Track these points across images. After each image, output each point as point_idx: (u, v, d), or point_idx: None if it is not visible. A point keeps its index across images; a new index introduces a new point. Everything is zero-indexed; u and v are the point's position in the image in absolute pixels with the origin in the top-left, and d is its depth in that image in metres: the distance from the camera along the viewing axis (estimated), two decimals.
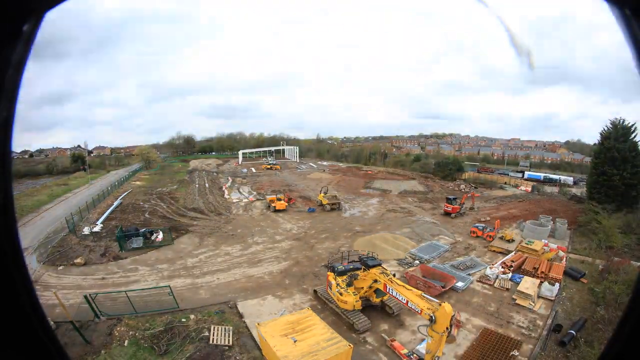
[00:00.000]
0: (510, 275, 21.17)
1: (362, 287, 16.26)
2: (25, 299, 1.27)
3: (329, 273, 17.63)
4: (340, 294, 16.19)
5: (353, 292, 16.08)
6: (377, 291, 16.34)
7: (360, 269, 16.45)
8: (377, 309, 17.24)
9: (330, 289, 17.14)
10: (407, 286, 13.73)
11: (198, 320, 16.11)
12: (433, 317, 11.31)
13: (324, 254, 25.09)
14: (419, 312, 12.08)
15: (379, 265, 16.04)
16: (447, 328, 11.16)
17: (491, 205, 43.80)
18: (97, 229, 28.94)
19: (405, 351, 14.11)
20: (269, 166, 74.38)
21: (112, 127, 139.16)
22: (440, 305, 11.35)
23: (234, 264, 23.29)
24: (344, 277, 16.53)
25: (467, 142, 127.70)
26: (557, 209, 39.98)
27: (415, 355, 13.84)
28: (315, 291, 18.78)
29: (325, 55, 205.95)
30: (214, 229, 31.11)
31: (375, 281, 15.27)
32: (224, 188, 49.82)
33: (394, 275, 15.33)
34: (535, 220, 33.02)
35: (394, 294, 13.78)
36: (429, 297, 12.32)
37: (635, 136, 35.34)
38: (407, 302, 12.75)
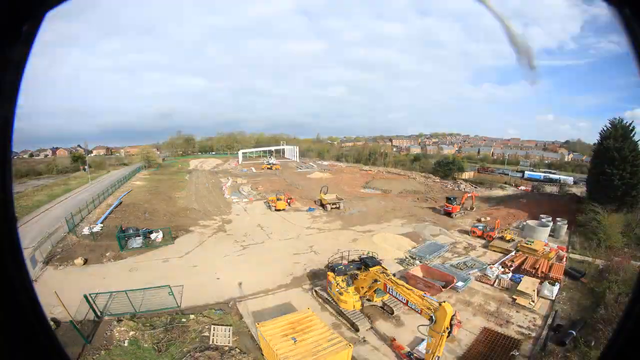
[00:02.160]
0: (510, 275, 21.17)
1: (362, 287, 16.27)
2: (25, 299, 1.27)
3: (329, 273, 17.65)
4: (341, 293, 16.21)
5: (353, 292, 16.08)
6: (377, 291, 16.36)
7: (360, 268, 16.46)
8: (377, 309, 17.26)
9: (330, 288, 17.15)
10: (407, 286, 13.72)
11: (198, 320, 16.11)
12: (433, 317, 11.32)
13: (324, 253, 25.08)
14: (419, 312, 12.08)
15: (379, 265, 16.05)
16: (447, 328, 11.15)
17: (491, 205, 43.80)
18: (97, 229, 28.92)
19: (405, 351, 14.11)
20: (268, 166, 74.43)
21: None
22: (440, 305, 11.33)
23: (234, 264, 23.29)
24: (344, 277, 16.57)
25: (467, 142, 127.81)
26: (557, 209, 39.98)
27: (415, 355, 13.83)
28: (315, 291, 18.79)
29: None
30: (214, 229, 31.11)
31: (375, 281, 15.29)
32: (224, 188, 49.83)
33: (394, 275, 15.35)
34: (535, 220, 33.02)
35: (394, 293, 13.78)
36: (429, 297, 12.33)
37: (634, 136, 35.35)
38: (407, 302, 12.75)
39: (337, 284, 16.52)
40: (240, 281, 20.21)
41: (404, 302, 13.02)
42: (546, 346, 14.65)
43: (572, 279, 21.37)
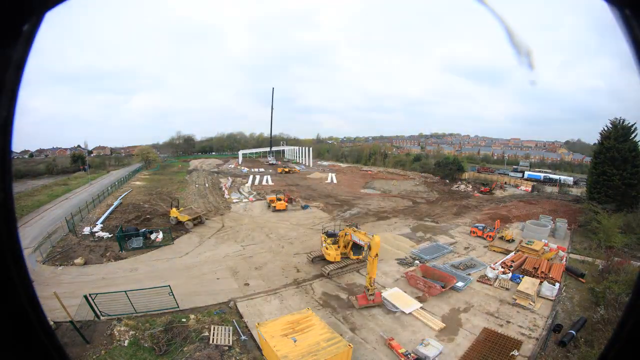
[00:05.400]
0: (510, 275, 21.16)
1: (342, 245, 22.21)
2: (25, 299, 1.27)
3: (322, 235, 24.04)
4: (327, 248, 22.29)
5: (335, 248, 22.04)
6: (354, 249, 21.91)
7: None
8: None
9: (322, 246, 23.34)
10: (360, 231, 20.62)
11: (198, 320, 16.10)
12: (369, 245, 17.09)
13: None
14: (363, 244, 19.04)
15: (354, 228, 22.30)
16: (376, 254, 16.84)
17: (491, 205, 43.80)
18: (97, 229, 28.94)
19: (403, 350, 14.13)
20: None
21: None
22: (372, 237, 17.49)
23: (234, 264, 23.29)
24: (332, 238, 22.85)
25: (467, 142, 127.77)
26: (557, 209, 39.99)
27: (412, 354, 13.87)
28: (308, 255, 23.62)
29: None
30: (214, 229, 31.09)
31: (346, 234, 21.11)
32: (224, 188, 49.82)
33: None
34: (535, 220, 33.02)
35: (354, 238, 20.06)
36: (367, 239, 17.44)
37: (635, 136, 35.34)
38: (358, 240, 19.42)
39: (325, 241, 22.85)
40: (239, 281, 20.21)
41: (357, 240, 19.59)
42: (546, 346, 14.65)
43: (572, 278, 21.37)
